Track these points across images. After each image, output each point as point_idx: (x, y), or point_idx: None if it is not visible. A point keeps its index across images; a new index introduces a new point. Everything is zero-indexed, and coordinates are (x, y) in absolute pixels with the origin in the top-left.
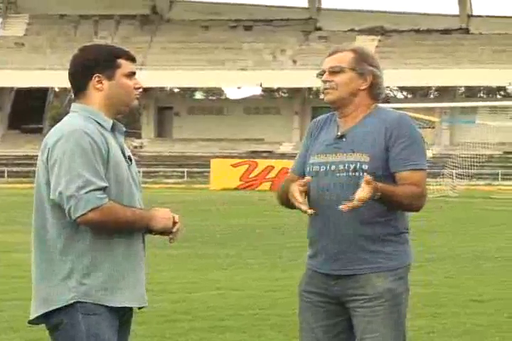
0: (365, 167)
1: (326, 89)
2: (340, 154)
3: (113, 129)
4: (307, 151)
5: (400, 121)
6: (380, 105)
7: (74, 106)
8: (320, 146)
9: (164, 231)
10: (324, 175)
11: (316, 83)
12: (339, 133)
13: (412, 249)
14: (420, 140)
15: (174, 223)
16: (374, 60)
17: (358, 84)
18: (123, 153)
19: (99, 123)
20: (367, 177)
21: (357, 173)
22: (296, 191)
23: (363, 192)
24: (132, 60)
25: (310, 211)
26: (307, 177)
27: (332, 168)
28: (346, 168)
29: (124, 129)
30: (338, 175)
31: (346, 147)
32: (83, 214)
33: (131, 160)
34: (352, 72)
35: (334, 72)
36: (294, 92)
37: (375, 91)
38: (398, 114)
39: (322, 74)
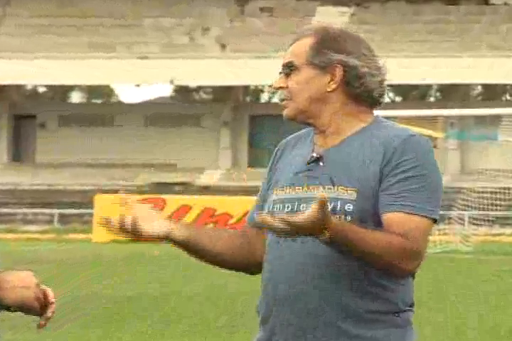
0: (350, 208)
1: (282, 100)
2: (315, 187)
3: None
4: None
5: (409, 141)
6: (382, 118)
7: None
8: (286, 174)
9: (25, 307)
10: None
11: (257, 79)
12: (314, 154)
13: (415, 334)
14: (435, 174)
15: (46, 301)
16: (348, 43)
17: (322, 84)
18: None
19: None
20: (322, 194)
21: (338, 217)
22: None
23: (303, 215)
24: None
25: None
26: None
27: (302, 208)
28: None
29: None
30: None
31: (323, 176)
32: None
33: None
34: (309, 68)
35: (287, 71)
36: (223, 93)
37: (353, 90)
38: (409, 132)
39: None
